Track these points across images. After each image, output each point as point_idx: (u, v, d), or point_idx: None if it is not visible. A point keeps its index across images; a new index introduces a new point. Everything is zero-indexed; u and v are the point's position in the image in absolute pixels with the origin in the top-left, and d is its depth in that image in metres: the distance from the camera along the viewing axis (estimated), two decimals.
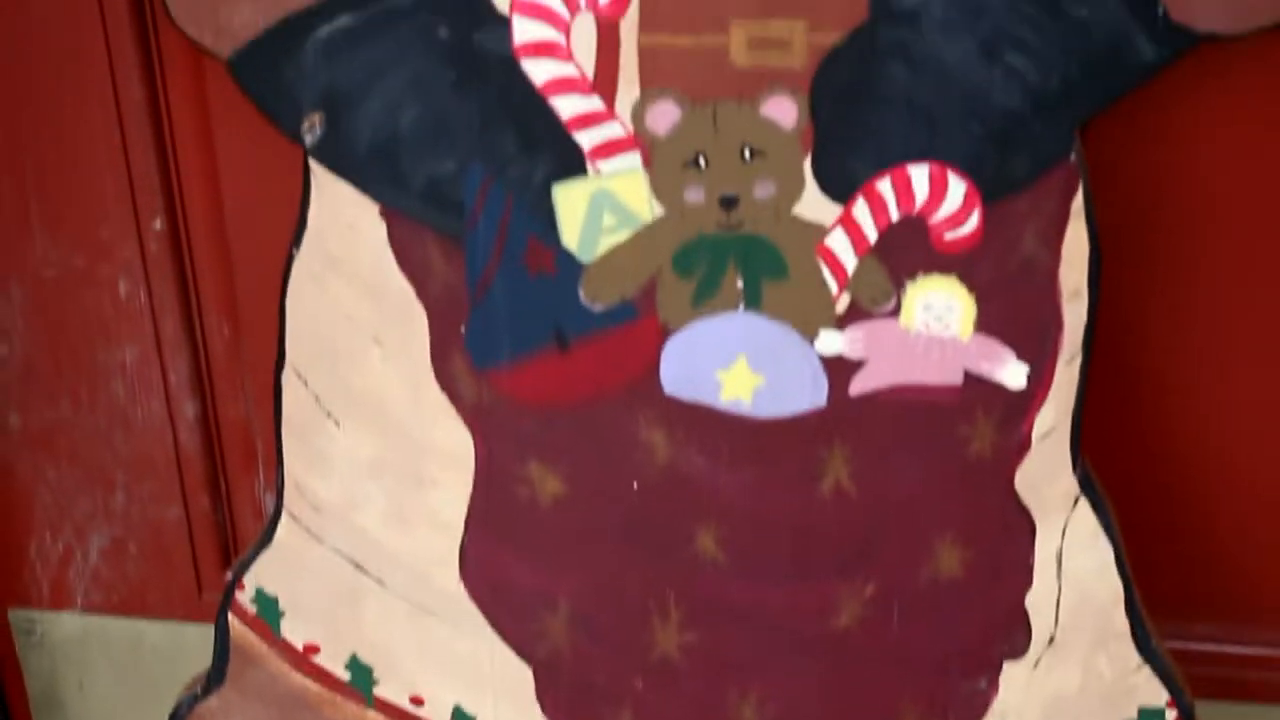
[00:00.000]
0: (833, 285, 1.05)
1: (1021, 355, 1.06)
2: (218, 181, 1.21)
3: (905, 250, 1.05)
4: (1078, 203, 1.03)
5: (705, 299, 1.06)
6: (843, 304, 1.06)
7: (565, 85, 1.03)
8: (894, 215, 1.03)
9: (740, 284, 1.06)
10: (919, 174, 1.02)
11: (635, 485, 1.10)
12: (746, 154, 1.03)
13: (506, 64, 1.03)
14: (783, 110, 1.02)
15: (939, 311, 1.05)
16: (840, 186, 1.04)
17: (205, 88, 1.17)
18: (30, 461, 1.33)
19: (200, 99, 1.18)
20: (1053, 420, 1.07)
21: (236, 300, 1.25)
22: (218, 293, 1.25)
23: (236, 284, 1.24)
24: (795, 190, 1.04)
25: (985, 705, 1.13)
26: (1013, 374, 1.06)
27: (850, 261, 1.05)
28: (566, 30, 1.02)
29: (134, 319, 1.26)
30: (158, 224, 1.22)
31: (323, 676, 1.20)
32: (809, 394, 1.07)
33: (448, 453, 1.12)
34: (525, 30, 1.03)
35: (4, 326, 1.28)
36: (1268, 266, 1.10)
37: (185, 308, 1.25)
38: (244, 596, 1.20)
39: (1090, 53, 1.00)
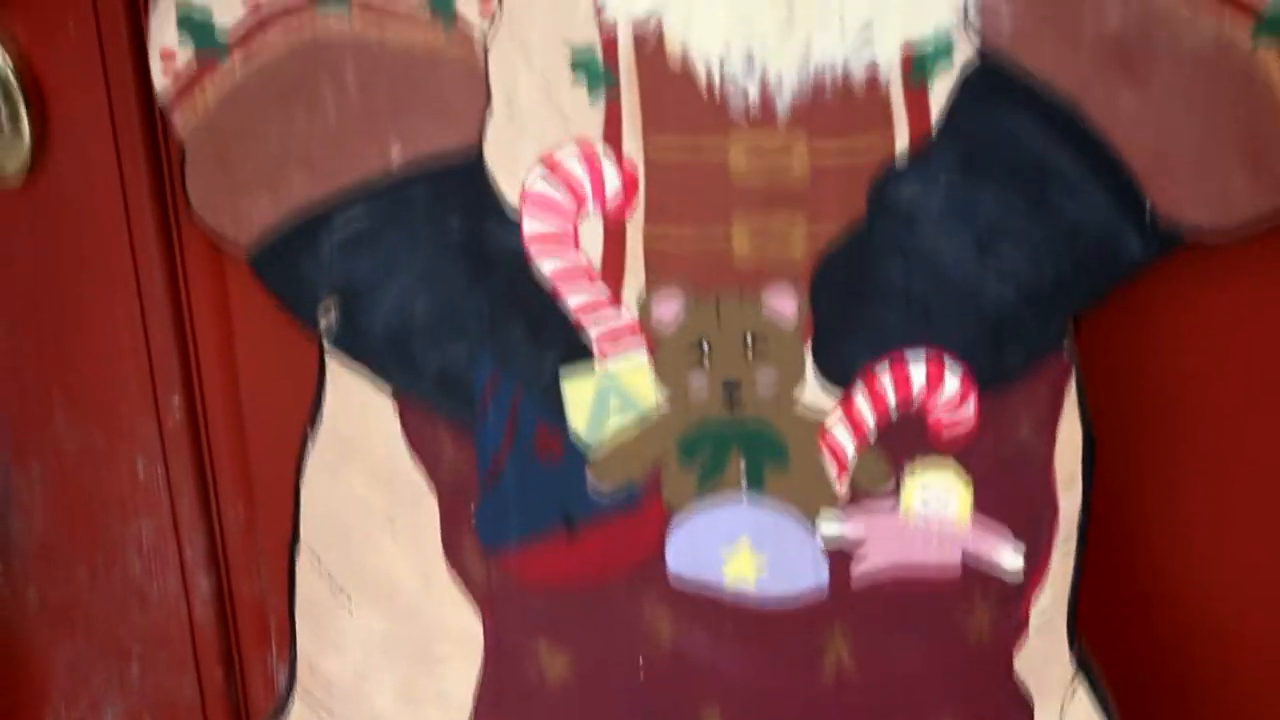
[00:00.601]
0: (833, 472, 1.08)
1: (1018, 540, 1.08)
2: (235, 365, 1.24)
3: (903, 437, 1.07)
4: (1071, 393, 1.06)
5: (709, 484, 1.09)
6: (843, 490, 1.08)
7: (573, 277, 1.06)
8: (892, 404, 1.06)
9: (743, 469, 1.09)
10: (916, 364, 1.05)
11: (641, 665, 1.12)
12: (749, 344, 1.06)
13: (516, 257, 1.07)
14: (783, 302, 1.05)
15: (937, 497, 1.08)
16: (840, 375, 1.07)
17: (224, 276, 1.20)
18: (47, 634, 1.36)
19: (219, 287, 1.21)
20: (1049, 604, 1.09)
21: (251, 479, 1.27)
22: (233, 472, 1.27)
23: (251, 464, 1.27)
24: (796, 379, 1.07)
25: None
26: (1009, 559, 1.08)
27: (850, 449, 1.07)
28: (574, 226, 1.06)
29: (151, 496, 1.28)
30: (176, 405, 1.25)
31: None
32: (811, 576, 1.10)
33: (458, 632, 1.14)
34: (534, 225, 1.06)
35: (23, 501, 1.31)
36: (1256, 453, 1.13)
37: (201, 486, 1.28)
38: None
39: (1081, 249, 1.03)
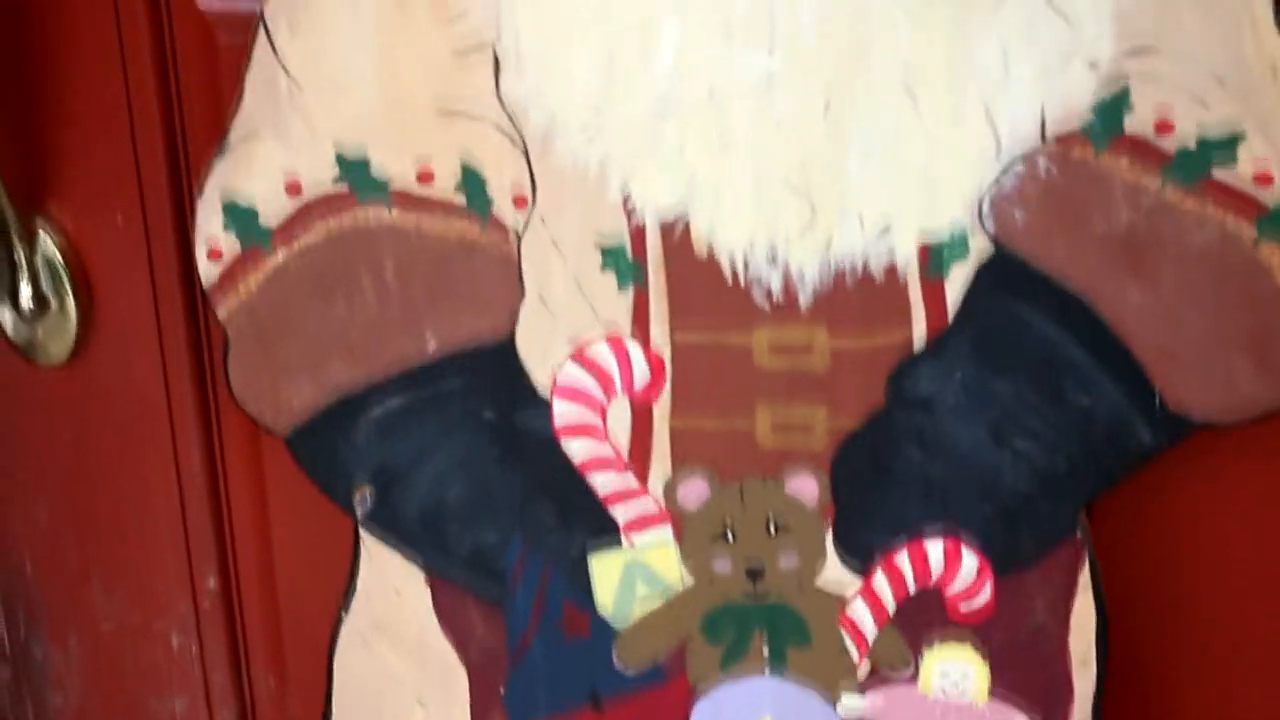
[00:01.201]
0: (854, 652, 1.11)
1: (1034, 719, 1.11)
2: (270, 542, 1.27)
3: (922, 619, 1.10)
4: (1084, 576, 1.09)
5: (733, 663, 1.12)
6: (864, 669, 1.11)
7: (602, 463, 1.10)
8: (911, 587, 1.09)
9: (766, 649, 1.11)
10: (934, 548, 1.09)
11: None
12: (772, 528, 1.10)
13: (547, 443, 1.10)
14: (805, 488, 1.09)
15: (955, 677, 1.10)
16: (860, 559, 1.10)
17: (261, 455, 1.24)
18: None
19: (256, 465, 1.25)
20: None
21: (284, 654, 1.30)
22: (266, 647, 1.30)
23: (284, 639, 1.30)
24: (818, 562, 1.10)
25: None
26: None
27: (870, 630, 1.10)
28: (603, 412, 1.09)
29: (185, 670, 1.31)
30: (211, 583, 1.28)
31: None
32: None
33: None
34: (565, 413, 1.10)
35: (59, 676, 1.34)
36: (1268, 636, 1.15)
37: (234, 661, 1.31)
38: None
39: (1093, 438, 1.07)
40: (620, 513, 1.10)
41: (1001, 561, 1.08)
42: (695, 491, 1.10)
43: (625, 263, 1.06)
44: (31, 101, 1.17)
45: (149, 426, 1.25)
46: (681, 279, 1.07)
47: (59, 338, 1.22)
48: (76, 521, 1.29)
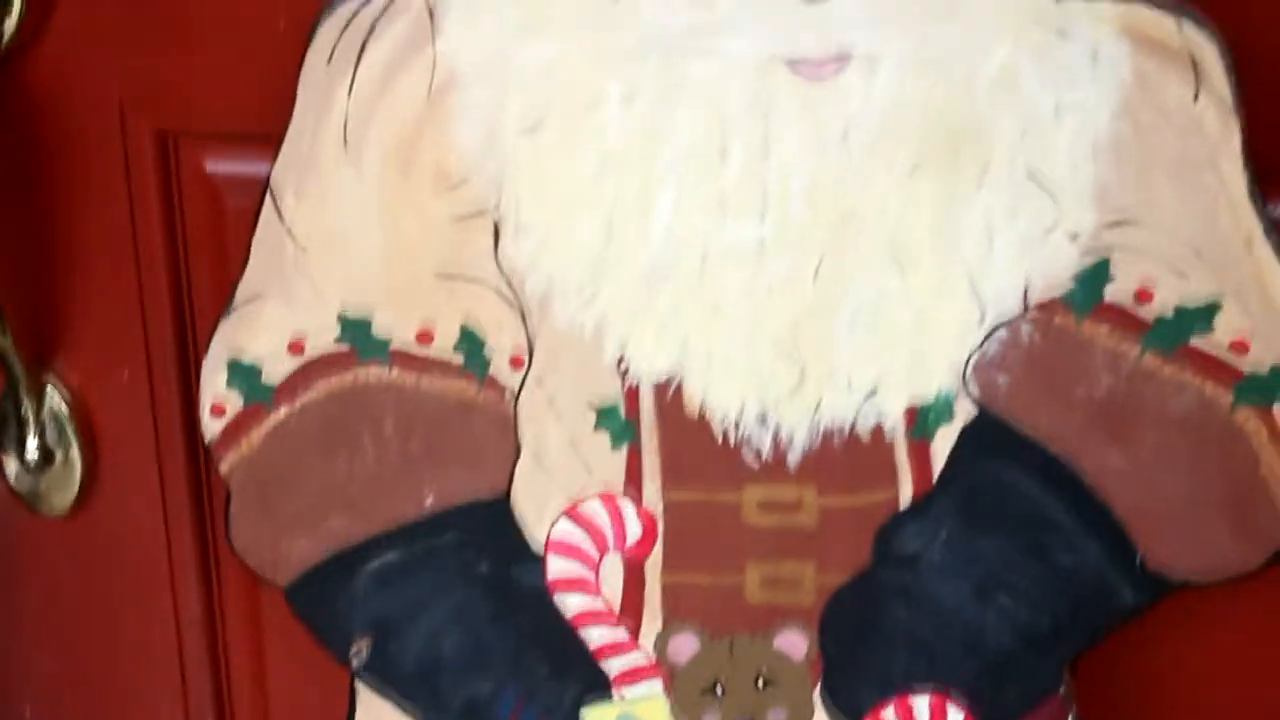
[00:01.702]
0: None
1: None
2: (267, 694, 1.29)
3: None
4: None
5: None
6: None
7: (594, 617, 1.12)
8: None
9: None
10: (921, 705, 1.11)
11: None
12: (760, 683, 1.12)
13: (540, 597, 1.13)
14: (794, 644, 1.11)
15: None
16: (848, 714, 1.12)
17: (260, 607, 1.26)
18: None
19: (254, 615, 1.27)
20: None
21: None
22: None
23: None
24: (806, 717, 1.12)
25: None
26: None
27: None
28: (596, 567, 1.12)
29: None
30: None
31: None
32: None
33: None
34: (558, 567, 1.12)
35: None
36: None
37: None
38: None
39: (1076, 596, 1.09)
40: (612, 666, 1.12)
41: (987, 717, 1.10)
42: (686, 646, 1.12)
43: (619, 423, 1.09)
44: (41, 259, 1.20)
45: (149, 577, 1.27)
46: (674, 438, 1.09)
47: (62, 490, 1.24)
48: (76, 671, 1.31)
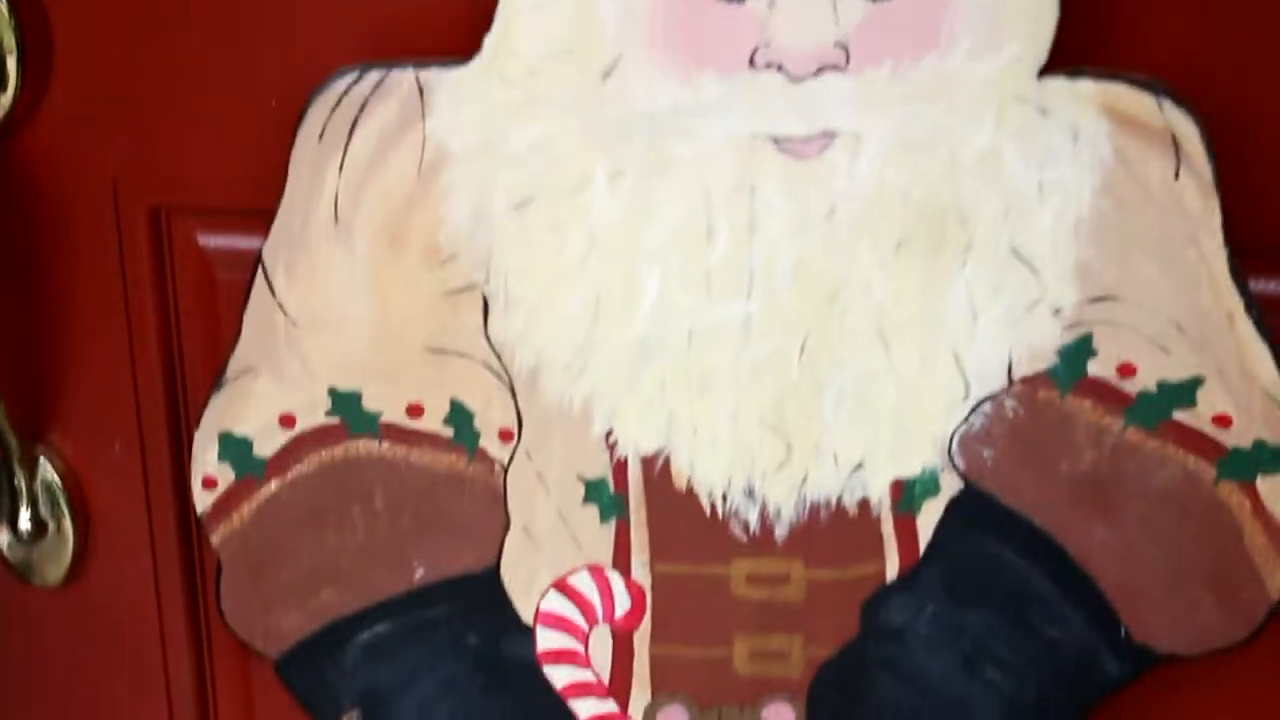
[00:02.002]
0: None
1: None
2: None
3: None
4: None
5: None
6: None
7: (583, 689, 1.13)
8: None
9: None
10: None
11: None
12: None
13: (530, 669, 1.13)
14: (782, 716, 1.12)
15: None
16: None
17: (250, 679, 1.26)
18: None
19: (245, 690, 1.27)
20: None
21: None
22: None
23: None
24: None
25: None
26: None
27: None
28: (585, 640, 1.13)
29: None
30: None
31: None
32: None
33: None
34: (547, 639, 1.13)
35: None
36: None
37: None
38: None
39: (1062, 669, 1.10)
40: None
41: None
42: (675, 718, 1.12)
43: (608, 496, 1.10)
44: (34, 331, 1.21)
45: (141, 647, 1.27)
46: (662, 512, 1.10)
47: (55, 561, 1.24)
48: None
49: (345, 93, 1.05)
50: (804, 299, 1.05)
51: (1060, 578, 1.09)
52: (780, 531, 1.10)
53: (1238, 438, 1.06)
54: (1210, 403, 1.05)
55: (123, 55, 1.14)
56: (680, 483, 1.09)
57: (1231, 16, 1.04)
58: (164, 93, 1.14)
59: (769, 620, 1.11)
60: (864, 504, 1.09)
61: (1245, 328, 1.04)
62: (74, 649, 1.29)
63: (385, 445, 1.12)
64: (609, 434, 1.09)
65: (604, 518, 1.11)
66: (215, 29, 1.12)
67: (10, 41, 1.12)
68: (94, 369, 1.22)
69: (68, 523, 1.24)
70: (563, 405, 1.09)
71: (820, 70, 1.00)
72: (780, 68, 1.00)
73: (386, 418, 1.12)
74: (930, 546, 1.10)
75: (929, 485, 1.09)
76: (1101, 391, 1.06)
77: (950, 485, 1.09)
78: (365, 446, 1.13)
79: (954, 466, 1.07)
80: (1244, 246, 1.03)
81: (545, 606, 1.13)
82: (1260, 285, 1.07)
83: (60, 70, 1.15)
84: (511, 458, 1.11)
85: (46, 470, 1.23)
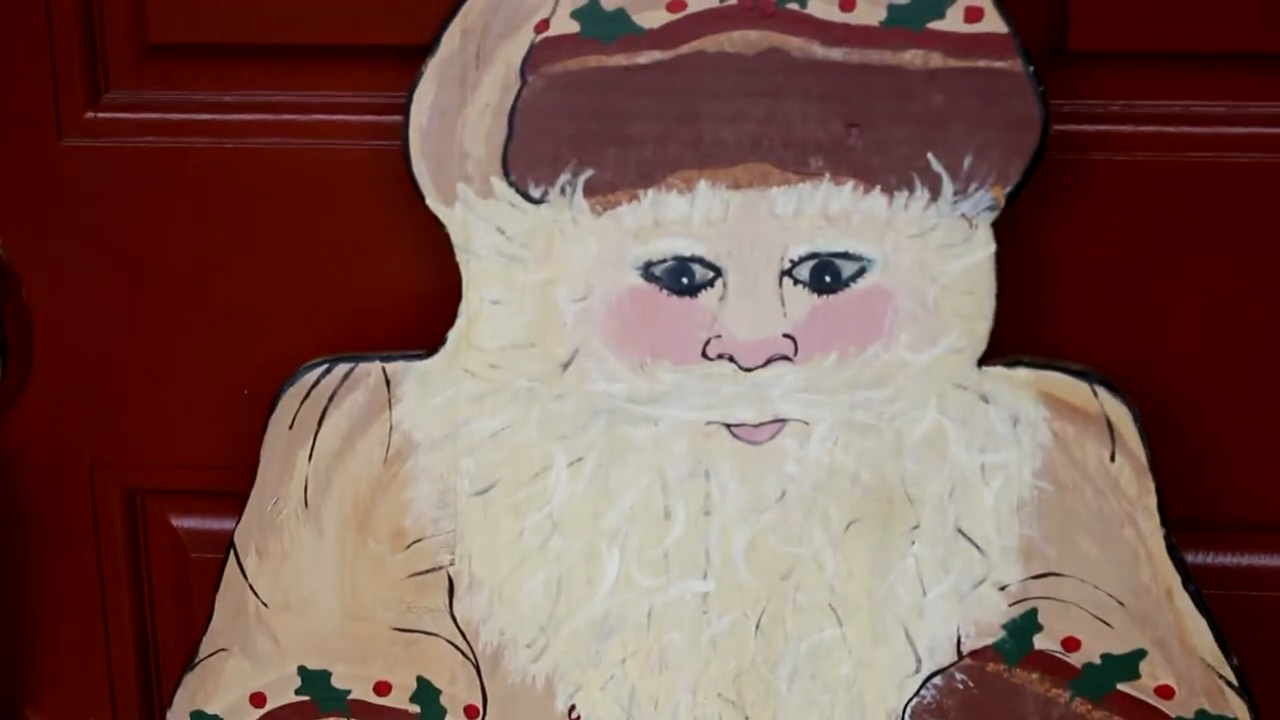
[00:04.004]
0: None
1: None
2: None
3: None
4: None
5: None
6: None
7: None
8: None
9: None
10: None
11: None
12: None
13: None
14: None
15: None
16: None
17: None
18: None
19: None
20: None
21: None
22: None
23: None
24: None
25: None
26: None
27: None
28: None
29: None
30: None
31: None
32: None
33: None
34: None
35: None
36: None
37: None
38: None
39: None
40: None
41: None
42: None
43: None
44: (10, 608, 1.23)
45: None
46: None
47: None
48: None
49: (315, 384, 1.10)
50: (758, 577, 1.08)
51: None
52: None
53: (1180, 708, 1.09)
54: (1153, 674, 1.09)
55: (100, 348, 1.18)
56: None
57: (1161, 308, 1.09)
58: (139, 382, 1.19)
59: None
60: None
61: (1183, 601, 1.07)
62: None
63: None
64: (572, 709, 1.12)
65: None
66: (189, 322, 1.16)
67: None
68: (69, 647, 1.25)
69: None
70: (526, 682, 1.12)
71: (770, 360, 1.05)
72: (732, 358, 1.05)
73: (355, 694, 1.14)
74: None
75: None
76: (1048, 664, 1.10)
77: None
78: None
79: None
80: (1180, 522, 1.07)
81: None
82: (1199, 559, 1.10)
83: (40, 362, 1.19)
84: None
85: None
